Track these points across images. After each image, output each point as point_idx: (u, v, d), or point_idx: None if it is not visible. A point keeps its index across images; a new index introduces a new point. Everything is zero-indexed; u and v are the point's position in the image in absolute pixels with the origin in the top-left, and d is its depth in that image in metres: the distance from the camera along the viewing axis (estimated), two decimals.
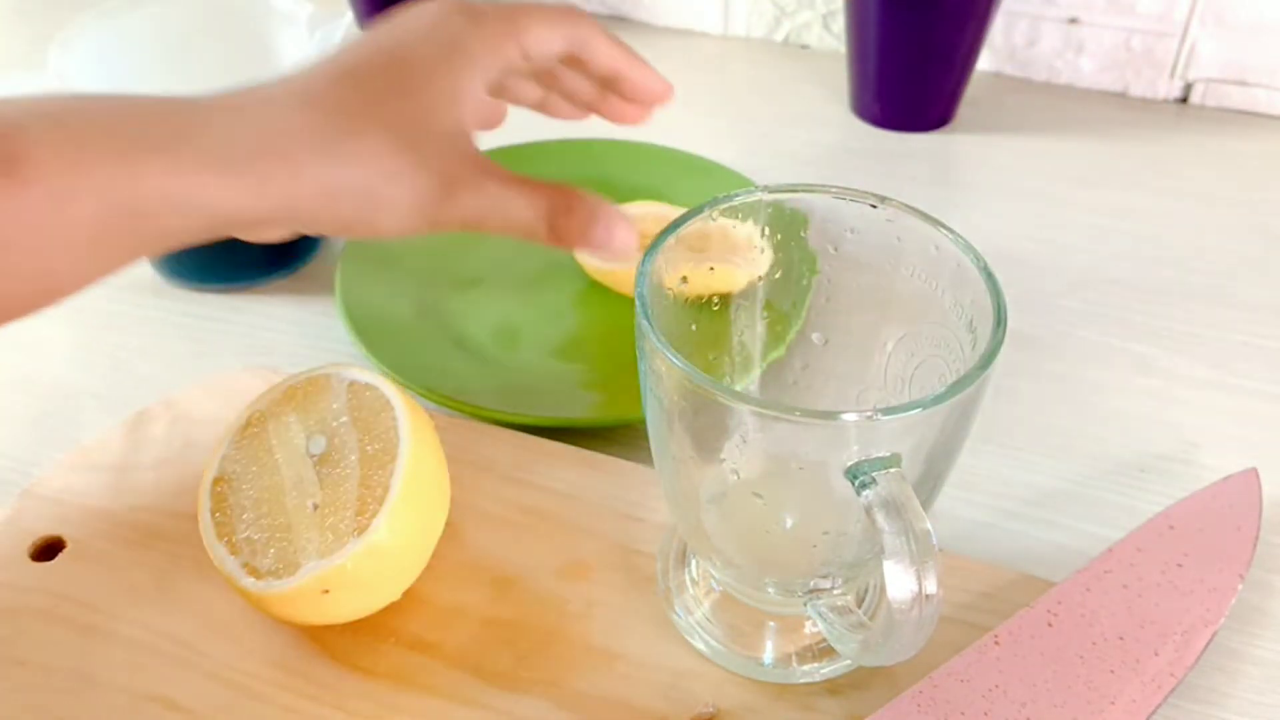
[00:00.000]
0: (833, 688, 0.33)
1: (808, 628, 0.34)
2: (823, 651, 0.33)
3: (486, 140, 0.61)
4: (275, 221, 0.31)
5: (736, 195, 0.31)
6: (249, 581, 0.31)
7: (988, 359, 0.26)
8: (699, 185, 0.54)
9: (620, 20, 0.77)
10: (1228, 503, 0.36)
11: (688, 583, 0.35)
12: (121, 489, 0.39)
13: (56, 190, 0.28)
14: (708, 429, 0.28)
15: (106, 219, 0.29)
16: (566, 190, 0.32)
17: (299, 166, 0.29)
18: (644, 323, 0.27)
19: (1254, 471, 0.37)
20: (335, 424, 0.34)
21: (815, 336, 0.34)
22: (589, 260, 0.50)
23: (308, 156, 0.29)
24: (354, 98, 0.31)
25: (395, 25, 0.34)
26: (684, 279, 0.31)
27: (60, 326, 0.50)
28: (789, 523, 0.32)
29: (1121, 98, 0.66)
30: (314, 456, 0.33)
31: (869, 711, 0.32)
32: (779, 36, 0.73)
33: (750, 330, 0.35)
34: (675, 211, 0.48)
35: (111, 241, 0.30)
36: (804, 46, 0.73)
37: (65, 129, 0.29)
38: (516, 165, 0.57)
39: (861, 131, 0.64)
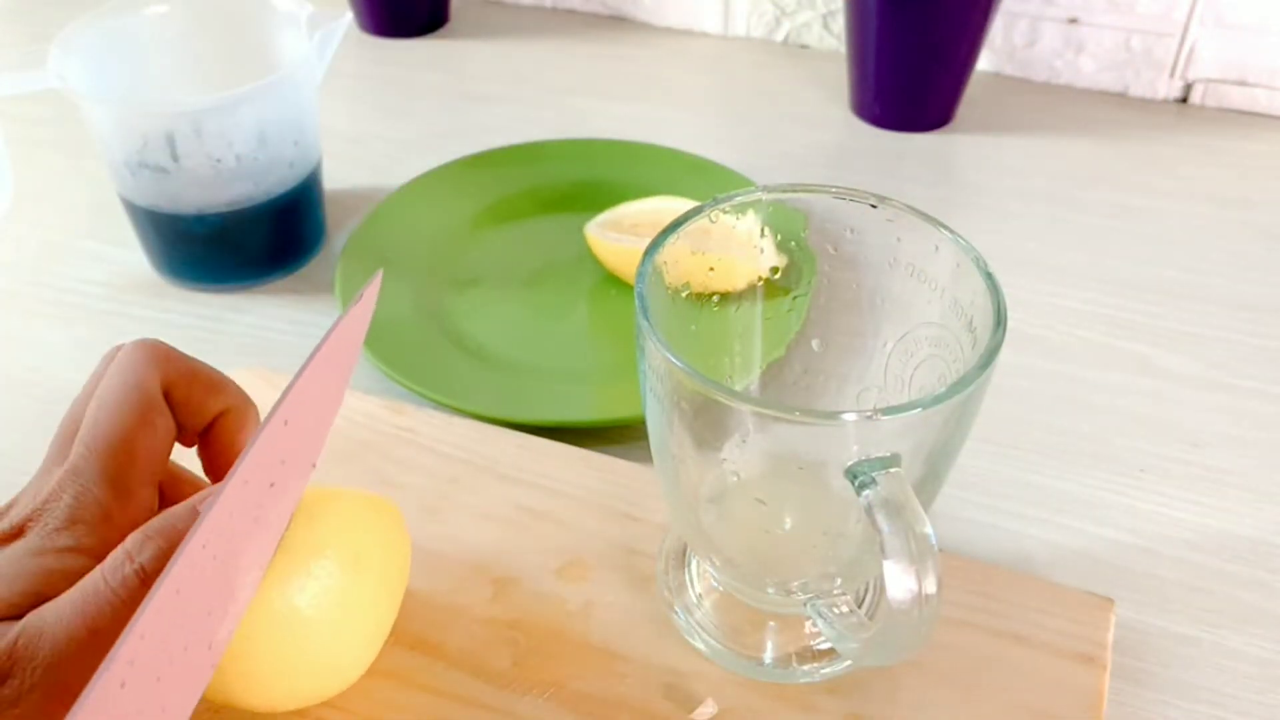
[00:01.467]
0: (833, 687, 0.33)
1: (808, 627, 0.34)
2: (823, 651, 0.33)
3: (479, 142, 0.61)
4: None
5: (736, 195, 0.31)
6: None
7: (988, 359, 0.26)
8: (699, 185, 0.54)
9: (620, 20, 0.77)
10: None
11: (688, 583, 0.35)
12: None
13: None
14: (707, 429, 0.28)
15: None
16: None
17: None
18: (643, 322, 0.27)
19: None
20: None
21: (815, 343, 0.34)
22: (601, 244, 0.50)
23: None
24: None
25: None
26: (684, 279, 0.31)
27: (60, 326, 0.50)
28: (789, 523, 0.32)
29: (1121, 98, 0.66)
30: None
31: (869, 711, 0.32)
32: (779, 36, 0.73)
33: (750, 330, 0.35)
34: (683, 205, 0.48)
35: None
36: (804, 46, 0.73)
37: None
38: (517, 165, 0.58)
39: (861, 131, 0.64)
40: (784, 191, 0.32)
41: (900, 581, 0.24)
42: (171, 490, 0.31)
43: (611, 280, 0.51)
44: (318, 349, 0.27)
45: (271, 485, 0.26)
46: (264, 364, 0.46)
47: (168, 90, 0.53)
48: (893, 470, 0.25)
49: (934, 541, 0.25)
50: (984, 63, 0.68)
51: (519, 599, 0.35)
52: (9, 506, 0.28)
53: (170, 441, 0.30)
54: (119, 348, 0.32)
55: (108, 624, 0.25)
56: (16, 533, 0.27)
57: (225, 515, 0.24)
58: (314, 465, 0.28)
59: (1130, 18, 0.63)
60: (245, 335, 0.49)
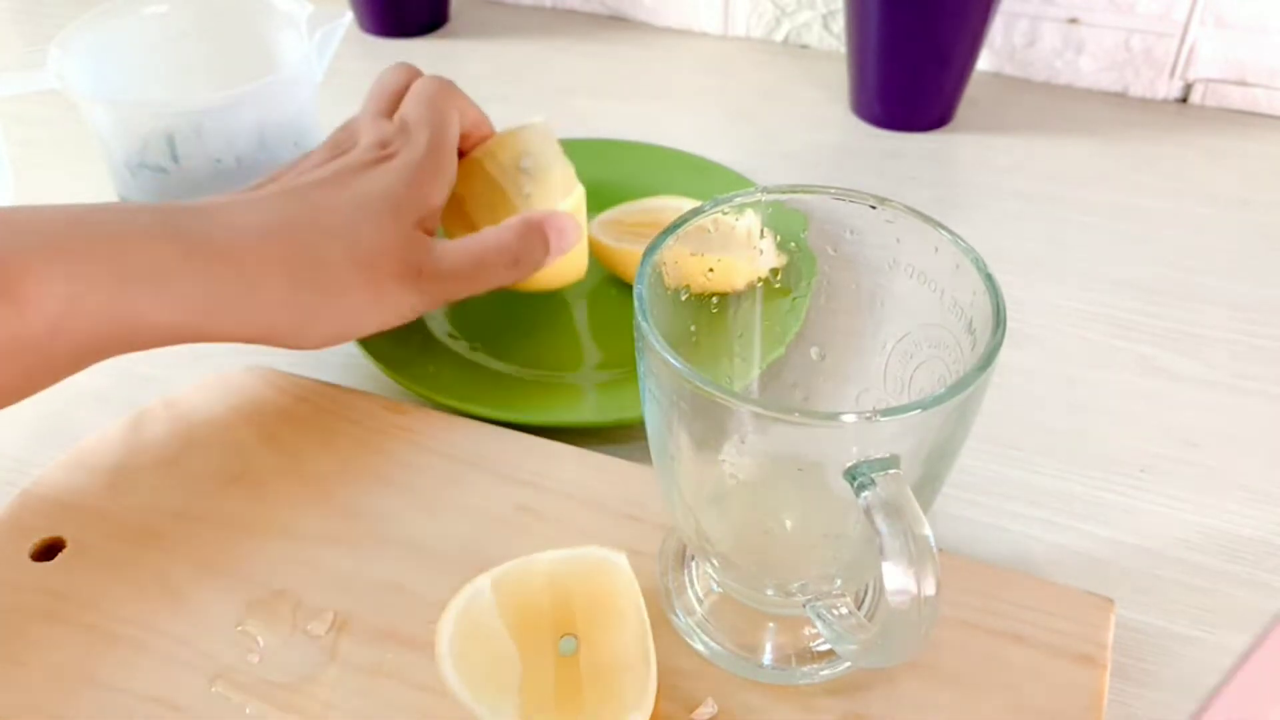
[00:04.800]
0: (833, 688, 0.33)
1: (807, 629, 0.34)
2: (822, 653, 0.33)
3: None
4: (253, 341, 0.37)
5: (736, 195, 0.31)
6: None
7: (987, 360, 0.26)
8: (699, 185, 0.54)
9: (620, 20, 0.77)
10: None
11: (687, 583, 0.35)
12: (121, 489, 0.39)
13: (53, 319, 0.31)
14: (706, 430, 0.28)
15: (95, 343, 0.33)
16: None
17: (274, 305, 0.36)
18: (642, 323, 0.27)
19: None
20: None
21: (814, 345, 0.34)
22: (601, 244, 0.50)
23: (286, 295, 0.36)
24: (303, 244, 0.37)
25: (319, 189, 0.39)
26: (684, 280, 0.31)
27: None
28: (788, 524, 0.32)
29: (1121, 98, 0.66)
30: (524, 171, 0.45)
31: (869, 711, 0.32)
32: (779, 36, 0.73)
33: (749, 330, 0.35)
34: (683, 205, 0.48)
35: (92, 358, 0.34)
36: (804, 46, 0.73)
37: (65, 257, 0.32)
38: None
39: (861, 131, 0.64)
40: (784, 192, 0.32)
41: (899, 583, 0.25)
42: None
43: (611, 280, 0.51)
44: None
45: None
46: (264, 364, 0.46)
47: (168, 90, 0.53)
48: (892, 471, 0.25)
49: (933, 543, 0.25)
50: (984, 63, 0.68)
51: None
52: (341, 142, 0.43)
53: None
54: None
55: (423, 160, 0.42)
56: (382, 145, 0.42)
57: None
58: None
59: (1130, 18, 0.63)
60: None
